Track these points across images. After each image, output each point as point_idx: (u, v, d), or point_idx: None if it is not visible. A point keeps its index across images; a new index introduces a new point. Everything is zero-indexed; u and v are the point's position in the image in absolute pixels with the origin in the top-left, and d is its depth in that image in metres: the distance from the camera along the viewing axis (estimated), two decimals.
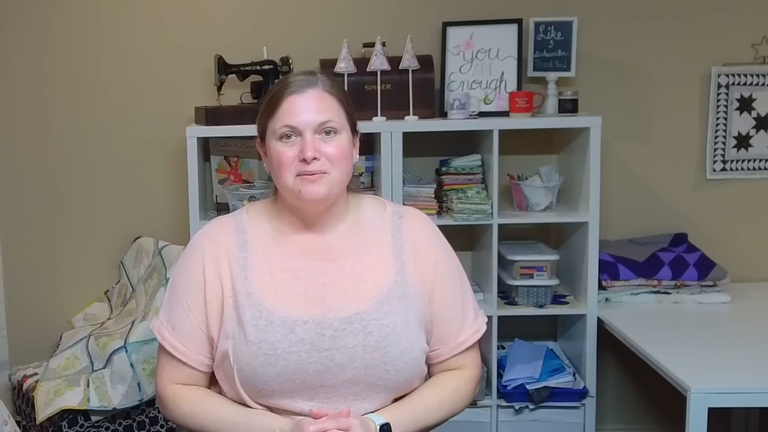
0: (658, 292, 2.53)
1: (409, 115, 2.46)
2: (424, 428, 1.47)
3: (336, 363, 1.39)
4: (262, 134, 1.48)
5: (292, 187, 1.42)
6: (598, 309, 2.45)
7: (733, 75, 2.69)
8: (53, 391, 2.32)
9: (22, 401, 2.48)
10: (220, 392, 1.50)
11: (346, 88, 2.28)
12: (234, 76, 2.54)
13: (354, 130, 1.49)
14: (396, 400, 1.47)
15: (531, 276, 2.49)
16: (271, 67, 2.51)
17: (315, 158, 1.40)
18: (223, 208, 2.60)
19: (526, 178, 2.56)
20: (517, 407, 2.46)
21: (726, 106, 2.70)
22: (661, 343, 2.14)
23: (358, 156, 1.51)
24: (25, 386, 2.46)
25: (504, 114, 2.51)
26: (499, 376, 2.50)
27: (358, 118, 1.51)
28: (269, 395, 1.41)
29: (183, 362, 1.47)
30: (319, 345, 1.40)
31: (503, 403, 2.47)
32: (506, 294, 2.56)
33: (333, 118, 1.42)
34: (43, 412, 2.29)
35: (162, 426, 2.41)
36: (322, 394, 1.41)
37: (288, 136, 1.42)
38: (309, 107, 1.41)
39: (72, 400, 2.30)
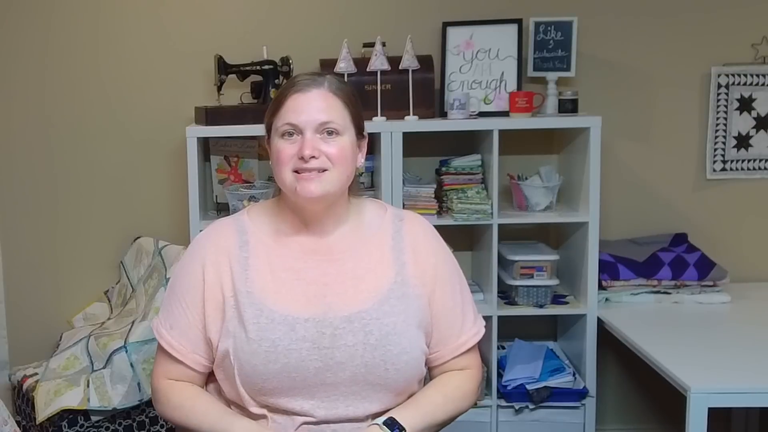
0: (658, 292, 2.53)
1: (409, 115, 2.46)
2: (431, 425, 1.47)
3: (336, 361, 1.40)
4: (268, 131, 1.49)
5: (289, 184, 1.43)
6: (598, 309, 2.45)
7: (733, 75, 2.69)
8: (53, 391, 2.32)
9: (22, 401, 2.48)
10: (220, 392, 1.51)
11: None
12: (234, 76, 2.54)
13: (360, 133, 1.49)
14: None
15: (531, 276, 2.49)
16: (271, 67, 2.51)
17: (313, 156, 1.40)
18: (223, 208, 2.60)
19: (526, 178, 2.56)
20: (517, 407, 2.46)
21: (726, 106, 2.70)
22: (661, 343, 2.14)
23: (363, 159, 1.51)
24: (25, 386, 2.46)
25: (504, 114, 2.51)
26: (499, 376, 2.50)
27: None
28: (269, 394, 1.41)
29: (179, 360, 1.47)
30: (320, 343, 1.40)
31: (503, 403, 2.47)
32: (506, 294, 2.56)
33: (335, 119, 1.42)
34: (43, 412, 2.28)
35: (162, 426, 2.41)
36: (322, 393, 1.41)
37: (290, 134, 1.43)
38: (311, 107, 1.42)
39: (72, 400, 2.29)
